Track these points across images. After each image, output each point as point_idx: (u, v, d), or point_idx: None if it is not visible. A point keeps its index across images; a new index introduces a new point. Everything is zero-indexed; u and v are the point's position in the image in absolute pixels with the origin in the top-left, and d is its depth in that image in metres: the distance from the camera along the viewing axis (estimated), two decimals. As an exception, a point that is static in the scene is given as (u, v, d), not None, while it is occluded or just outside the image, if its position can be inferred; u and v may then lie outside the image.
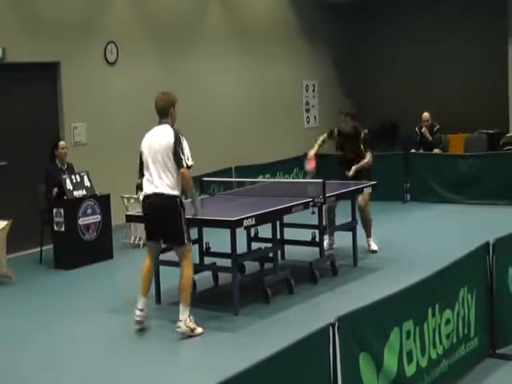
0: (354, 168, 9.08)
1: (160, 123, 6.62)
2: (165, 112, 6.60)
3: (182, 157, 6.45)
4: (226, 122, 13.87)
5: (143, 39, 12.30)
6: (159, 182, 6.44)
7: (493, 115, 15.39)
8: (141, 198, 10.46)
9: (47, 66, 10.89)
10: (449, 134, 14.94)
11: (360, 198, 9.11)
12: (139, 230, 10.37)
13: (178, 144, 6.45)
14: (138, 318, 6.64)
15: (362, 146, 9.18)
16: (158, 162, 6.46)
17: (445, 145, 14.49)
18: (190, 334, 6.37)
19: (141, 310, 6.67)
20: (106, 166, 11.17)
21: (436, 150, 13.63)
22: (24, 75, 10.58)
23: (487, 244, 5.53)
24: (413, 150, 13.44)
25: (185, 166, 6.44)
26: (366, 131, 9.31)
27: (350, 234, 8.70)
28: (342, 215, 8.86)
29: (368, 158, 9.17)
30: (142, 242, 10.33)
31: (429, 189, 12.44)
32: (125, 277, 8.95)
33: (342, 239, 8.81)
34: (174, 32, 12.84)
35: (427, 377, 4.82)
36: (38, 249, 9.80)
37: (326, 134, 9.41)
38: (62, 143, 9.88)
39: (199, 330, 6.45)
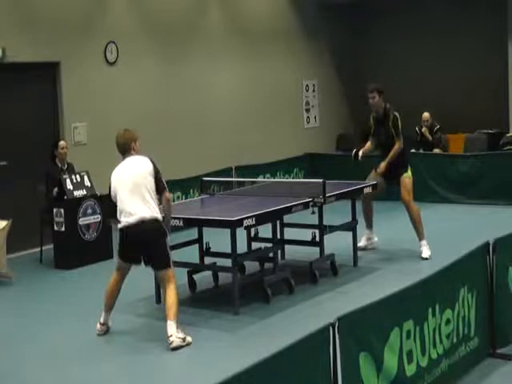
0: (382, 164, 8.85)
1: (127, 156, 6.64)
2: (127, 148, 6.61)
3: (163, 182, 6.61)
4: (225, 121, 13.87)
5: (143, 39, 12.30)
6: (145, 208, 6.40)
7: (493, 115, 15.38)
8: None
9: (47, 66, 10.89)
10: (449, 134, 14.95)
11: (403, 192, 8.83)
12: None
13: (156, 170, 6.56)
14: (97, 332, 6.69)
15: (392, 131, 8.84)
16: (139, 191, 6.43)
17: (445, 145, 14.49)
18: (182, 345, 6.24)
19: (102, 324, 6.70)
20: (106, 166, 11.13)
21: (436, 150, 13.63)
22: (24, 75, 10.58)
23: (487, 244, 5.53)
24: (413, 150, 13.43)
25: (167, 189, 6.63)
26: (395, 113, 8.86)
27: (351, 233, 8.70)
28: (342, 215, 8.85)
29: (397, 145, 8.83)
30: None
31: (429, 189, 12.43)
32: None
33: (342, 239, 8.80)
34: (173, 32, 12.84)
35: (427, 377, 4.82)
36: (38, 249, 9.80)
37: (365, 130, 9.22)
38: (62, 143, 9.88)
39: (189, 338, 6.33)
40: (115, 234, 9.92)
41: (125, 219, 6.44)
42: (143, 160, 6.58)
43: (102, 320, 6.70)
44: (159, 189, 6.54)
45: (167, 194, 6.62)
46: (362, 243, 9.27)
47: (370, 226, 9.48)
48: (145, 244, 6.45)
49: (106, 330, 6.72)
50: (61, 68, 11.02)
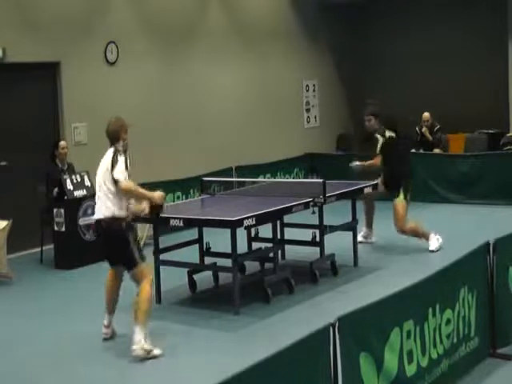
0: (361, 164, 9.27)
1: (112, 146, 6.39)
2: (116, 136, 6.35)
3: (114, 173, 6.13)
4: (226, 121, 13.87)
5: (143, 39, 12.30)
6: (104, 206, 6.20)
7: (493, 115, 15.37)
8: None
9: (47, 66, 10.89)
10: (449, 134, 14.94)
11: (394, 218, 9.05)
12: (139, 230, 10.37)
13: (113, 163, 6.17)
14: (103, 336, 6.55)
15: (377, 149, 9.15)
16: (102, 187, 6.23)
17: (445, 145, 14.49)
18: (146, 357, 5.94)
19: (106, 326, 6.56)
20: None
21: (436, 150, 13.63)
22: (24, 75, 10.58)
23: (487, 244, 5.53)
24: (413, 150, 13.43)
25: (116, 179, 6.11)
26: (388, 136, 9.11)
27: (351, 233, 8.70)
28: (342, 215, 8.86)
29: (374, 160, 9.18)
30: (142, 242, 10.34)
31: (429, 189, 12.43)
32: (125, 276, 8.93)
33: (342, 239, 8.80)
34: (174, 32, 12.83)
35: (428, 377, 4.83)
36: (39, 249, 9.80)
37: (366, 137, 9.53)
38: (62, 143, 9.89)
39: (156, 351, 6.02)
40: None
41: (95, 212, 6.36)
42: (109, 155, 6.29)
43: (105, 322, 6.56)
44: (114, 183, 6.14)
45: (122, 185, 6.11)
46: (359, 238, 9.37)
47: (369, 225, 9.58)
48: (106, 243, 6.33)
49: (111, 334, 6.56)
50: (61, 68, 11.01)
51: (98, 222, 6.29)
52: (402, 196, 9.07)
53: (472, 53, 16.04)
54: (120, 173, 6.13)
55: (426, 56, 16.43)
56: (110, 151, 6.32)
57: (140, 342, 5.94)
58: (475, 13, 15.98)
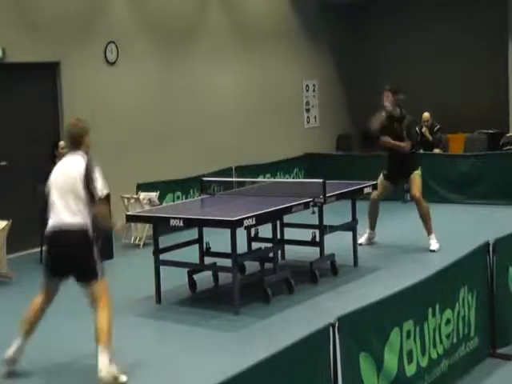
0: (388, 141, 9.15)
1: (71, 153, 5.90)
2: (79, 141, 5.85)
3: (96, 186, 5.73)
4: (226, 121, 13.87)
5: (143, 39, 12.30)
6: (69, 214, 5.69)
7: (493, 115, 15.38)
8: (141, 197, 10.45)
9: (47, 66, 10.89)
10: (449, 134, 14.95)
11: (413, 189, 9.21)
12: (139, 230, 10.38)
13: (90, 174, 5.73)
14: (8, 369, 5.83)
15: (404, 133, 9.17)
16: (68, 194, 5.73)
17: (445, 145, 14.49)
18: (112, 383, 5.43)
19: (12, 357, 5.84)
20: (106, 166, 11.14)
21: (436, 150, 13.63)
22: (24, 75, 10.58)
23: (487, 244, 5.53)
24: (413, 151, 13.42)
25: (99, 196, 5.73)
26: (411, 119, 9.29)
27: (351, 233, 8.70)
28: (342, 215, 8.86)
29: (405, 143, 9.18)
30: (142, 242, 10.34)
31: (429, 189, 12.40)
32: (125, 277, 8.95)
33: (342, 239, 8.80)
34: (174, 32, 12.83)
35: (427, 377, 4.82)
36: (38, 249, 9.78)
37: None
38: (62, 143, 9.87)
39: (123, 378, 5.51)
40: (115, 234, 9.96)
41: (50, 223, 5.82)
42: (80, 163, 5.78)
43: (14, 349, 5.80)
44: (93, 197, 5.72)
45: (101, 206, 5.77)
46: (362, 241, 9.50)
47: (373, 227, 9.62)
48: (65, 254, 5.71)
49: (13, 361, 5.82)
50: (61, 68, 11.01)
51: (61, 229, 5.71)
52: (419, 170, 9.27)
53: (472, 53, 16.04)
54: (104, 189, 5.77)
55: (426, 56, 16.43)
56: (78, 157, 5.82)
57: (107, 366, 5.40)
58: (475, 13, 15.98)
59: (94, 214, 5.73)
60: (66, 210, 5.73)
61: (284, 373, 3.66)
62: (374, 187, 8.89)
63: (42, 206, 9.74)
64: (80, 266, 5.73)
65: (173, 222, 7.24)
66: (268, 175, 13.30)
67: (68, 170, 5.83)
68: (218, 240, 7.97)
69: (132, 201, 10.43)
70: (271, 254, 7.86)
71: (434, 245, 9.11)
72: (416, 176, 9.22)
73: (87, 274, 5.73)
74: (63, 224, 5.71)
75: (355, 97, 17.00)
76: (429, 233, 9.21)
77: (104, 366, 5.38)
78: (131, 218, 8.37)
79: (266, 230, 8.07)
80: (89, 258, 5.69)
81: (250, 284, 7.80)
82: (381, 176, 9.42)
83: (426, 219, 9.20)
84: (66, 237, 5.70)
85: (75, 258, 5.73)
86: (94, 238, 5.74)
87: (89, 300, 5.79)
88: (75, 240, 5.67)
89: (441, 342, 5.00)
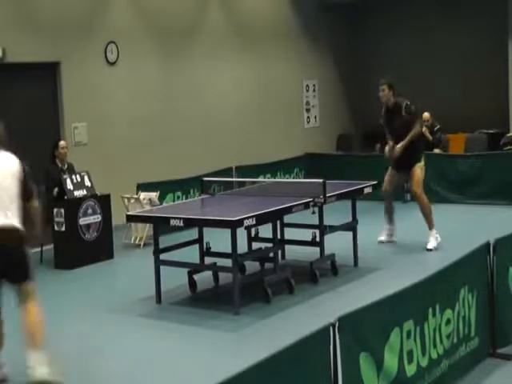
0: (400, 145, 9.10)
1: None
2: (2, 139, 5.88)
3: (31, 187, 5.62)
4: (226, 121, 13.87)
5: (143, 39, 12.31)
6: (5, 213, 5.43)
7: (493, 115, 15.39)
8: (141, 197, 10.44)
9: (47, 66, 10.89)
10: (449, 134, 14.94)
11: (413, 185, 9.20)
12: (140, 230, 10.38)
13: (27, 173, 5.63)
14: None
15: (407, 118, 9.12)
16: (4, 191, 5.49)
17: (445, 145, 14.49)
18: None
19: None
20: (106, 166, 11.17)
21: (436, 150, 13.62)
22: (24, 75, 10.58)
23: (487, 244, 5.53)
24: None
25: (35, 196, 5.65)
26: (407, 102, 9.23)
27: (351, 233, 8.70)
28: (342, 215, 8.85)
29: (416, 128, 9.16)
30: (142, 242, 10.34)
31: (429, 189, 12.38)
32: (125, 277, 8.95)
33: (342, 239, 8.80)
34: (174, 32, 12.84)
35: (428, 377, 4.82)
36: (38, 249, 9.79)
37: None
38: (62, 143, 9.88)
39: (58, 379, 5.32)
40: (116, 234, 9.98)
41: None
42: (11, 159, 5.69)
43: None
44: (26, 195, 5.57)
45: (35, 203, 5.66)
46: (383, 238, 9.56)
47: (391, 221, 9.65)
48: (2, 254, 5.43)
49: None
50: (61, 68, 11.02)
51: None
52: (422, 162, 9.25)
53: (472, 53, 16.05)
54: (33, 189, 5.65)
55: (426, 56, 16.44)
56: (11, 155, 5.75)
57: (46, 365, 5.31)
58: (476, 13, 15.99)
59: (29, 212, 5.59)
60: (3, 208, 5.47)
61: (284, 373, 3.66)
62: (375, 187, 8.87)
63: (42, 205, 9.79)
64: (17, 266, 5.52)
65: (173, 222, 7.24)
66: (268, 175, 13.30)
67: (5, 165, 5.67)
68: (218, 240, 7.97)
69: (132, 201, 10.43)
70: (271, 254, 7.86)
71: (431, 243, 9.08)
72: (417, 169, 9.17)
73: (25, 273, 5.55)
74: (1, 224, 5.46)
75: (355, 97, 17.01)
76: (430, 227, 9.18)
77: (45, 371, 5.31)
78: (131, 218, 8.37)
79: (266, 230, 8.07)
80: (26, 259, 5.53)
81: (251, 284, 7.80)
82: (389, 168, 9.48)
83: (425, 213, 9.17)
84: (5, 237, 5.45)
85: (13, 259, 5.50)
86: (27, 239, 5.58)
87: (20, 299, 5.61)
88: (13, 240, 5.47)
89: (441, 341, 5.00)
